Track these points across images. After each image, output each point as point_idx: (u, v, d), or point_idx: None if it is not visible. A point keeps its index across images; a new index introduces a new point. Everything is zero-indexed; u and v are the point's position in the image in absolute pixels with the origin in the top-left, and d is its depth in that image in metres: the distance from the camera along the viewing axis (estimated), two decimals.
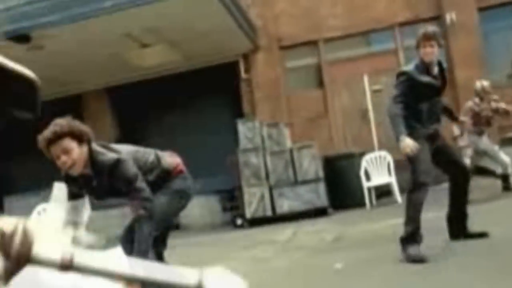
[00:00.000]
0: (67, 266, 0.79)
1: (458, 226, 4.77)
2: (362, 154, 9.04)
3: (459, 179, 4.67)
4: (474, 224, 4.75)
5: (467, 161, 7.19)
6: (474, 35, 10.93)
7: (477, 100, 7.31)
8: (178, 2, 8.14)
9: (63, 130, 3.21)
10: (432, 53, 4.52)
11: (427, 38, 4.52)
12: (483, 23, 11.12)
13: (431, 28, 4.70)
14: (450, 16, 10.93)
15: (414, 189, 4.47)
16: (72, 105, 10.28)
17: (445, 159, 4.66)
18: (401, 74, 4.64)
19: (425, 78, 4.54)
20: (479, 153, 7.30)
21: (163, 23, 8.75)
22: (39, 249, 0.79)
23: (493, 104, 7.28)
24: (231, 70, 11.40)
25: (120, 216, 9.12)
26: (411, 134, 4.47)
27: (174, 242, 4.00)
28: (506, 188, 7.22)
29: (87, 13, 7.85)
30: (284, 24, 11.35)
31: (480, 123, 7.17)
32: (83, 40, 8.57)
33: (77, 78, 10.79)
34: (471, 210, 4.80)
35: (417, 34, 4.67)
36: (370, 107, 10.23)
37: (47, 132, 3.21)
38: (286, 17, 11.39)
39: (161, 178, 3.57)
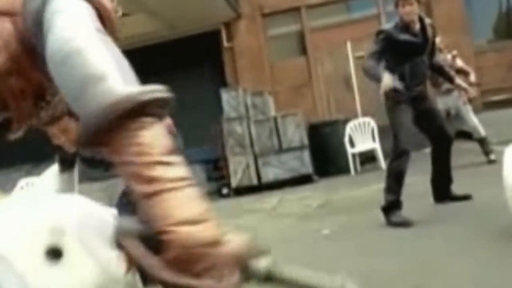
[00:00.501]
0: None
1: (442, 190, 4.81)
2: (346, 121, 9.06)
3: (441, 144, 4.65)
4: (458, 187, 4.81)
5: None
6: (457, 0, 10.90)
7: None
8: None
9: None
10: (412, 11, 4.41)
11: None
12: None
13: None
14: None
15: (396, 157, 4.45)
16: None
17: (428, 124, 4.61)
18: (380, 32, 4.57)
19: (404, 36, 4.43)
20: (452, 114, 7.00)
21: None
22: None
23: (449, 57, 7.05)
24: (213, 39, 11.26)
25: (104, 189, 9.08)
26: (394, 97, 4.42)
27: None
28: (486, 153, 6.88)
29: None
30: None
31: (439, 81, 6.76)
32: None
33: None
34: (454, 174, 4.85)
35: None
36: (353, 74, 10.21)
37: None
38: None
39: None
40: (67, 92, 0.85)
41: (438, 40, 7.04)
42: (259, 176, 8.70)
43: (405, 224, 4.25)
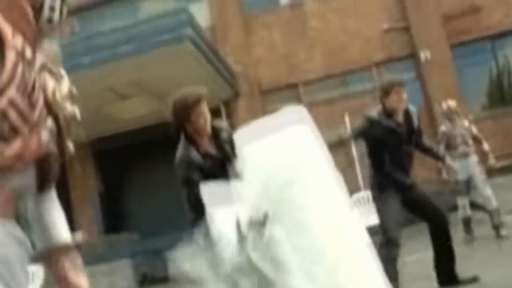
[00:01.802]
0: None
1: (446, 272, 4.53)
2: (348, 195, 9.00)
3: (438, 225, 4.43)
4: (467, 264, 4.65)
5: (461, 201, 6.80)
6: (448, 71, 11.20)
7: (448, 123, 6.98)
8: (157, 53, 8.23)
9: None
10: (405, 99, 4.34)
11: (401, 84, 4.37)
12: (456, 59, 11.41)
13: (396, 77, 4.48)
14: (424, 54, 11.21)
15: (384, 245, 4.24)
16: None
17: (421, 210, 4.44)
18: (367, 119, 4.46)
19: (389, 123, 4.34)
20: (466, 182, 6.77)
21: (143, 75, 8.81)
22: None
23: (466, 124, 6.95)
24: (213, 117, 11.42)
25: (108, 273, 8.91)
26: (379, 184, 4.37)
27: None
28: (496, 227, 6.46)
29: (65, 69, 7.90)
30: (263, 69, 11.51)
31: (456, 144, 6.77)
32: None
33: None
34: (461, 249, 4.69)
35: (385, 81, 4.51)
36: (353, 145, 10.26)
37: None
38: (265, 62, 11.56)
39: None
40: None
41: (453, 104, 7.10)
42: None
43: None
